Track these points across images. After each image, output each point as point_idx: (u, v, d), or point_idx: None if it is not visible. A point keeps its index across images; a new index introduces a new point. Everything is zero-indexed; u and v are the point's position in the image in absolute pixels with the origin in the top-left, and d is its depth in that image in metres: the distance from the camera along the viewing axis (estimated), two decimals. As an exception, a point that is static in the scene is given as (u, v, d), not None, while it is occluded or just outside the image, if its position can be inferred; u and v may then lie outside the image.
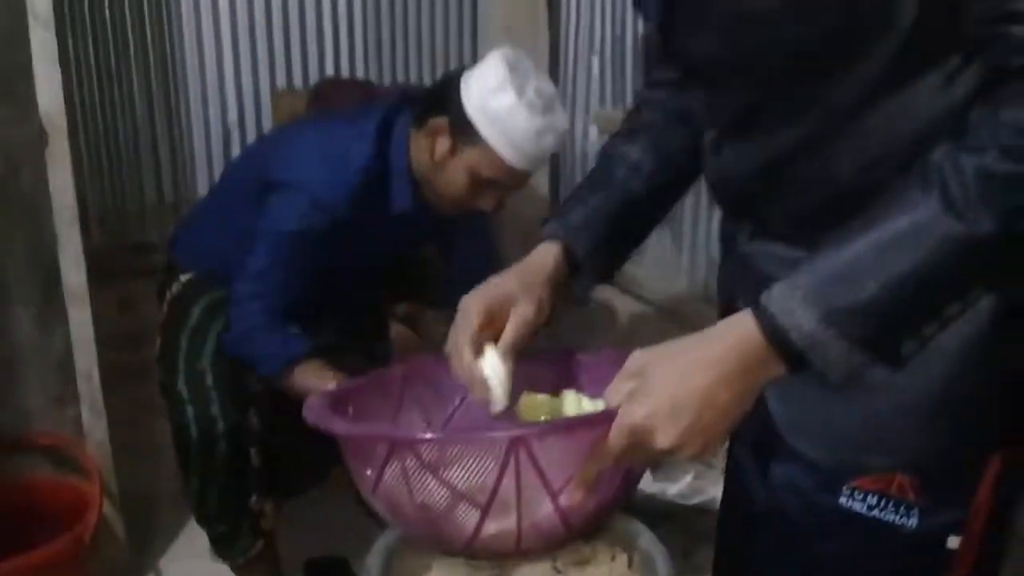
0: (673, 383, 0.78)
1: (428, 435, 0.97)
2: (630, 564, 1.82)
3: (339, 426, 0.98)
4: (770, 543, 1.01)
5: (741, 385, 0.78)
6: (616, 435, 0.81)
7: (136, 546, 2.09)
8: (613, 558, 1.83)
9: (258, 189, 1.64)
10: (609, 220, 1.06)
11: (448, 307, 1.96)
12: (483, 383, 1.02)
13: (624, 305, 2.54)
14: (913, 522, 0.88)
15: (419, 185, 1.67)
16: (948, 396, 0.85)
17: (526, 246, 2.36)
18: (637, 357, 0.83)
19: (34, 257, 1.83)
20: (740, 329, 0.77)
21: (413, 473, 0.90)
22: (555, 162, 2.66)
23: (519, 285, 1.04)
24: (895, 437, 0.88)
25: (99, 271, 1.96)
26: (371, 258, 1.80)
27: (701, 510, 2.01)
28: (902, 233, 0.71)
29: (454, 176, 1.61)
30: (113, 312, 2.10)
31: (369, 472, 0.94)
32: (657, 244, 2.38)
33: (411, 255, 1.96)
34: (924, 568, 0.91)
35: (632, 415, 0.80)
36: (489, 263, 1.86)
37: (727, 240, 1.00)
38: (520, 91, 1.53)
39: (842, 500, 0.89)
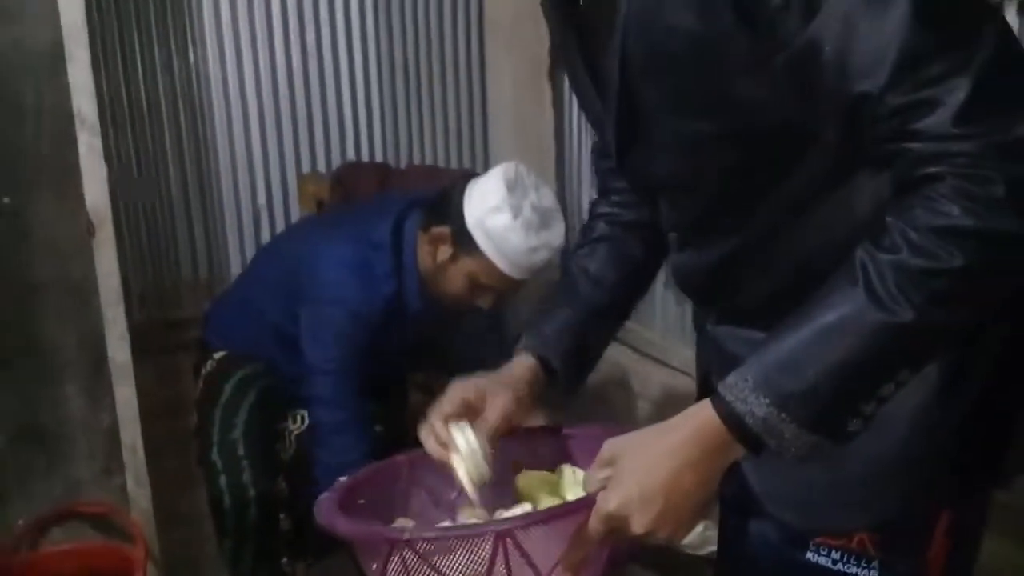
0: (641, 472, 0.86)
1: (410, 535, 1.00)
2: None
3: (342, 526, 1.04)
4: None
5: (705, 469, 0.85)
6: (595, 522, 0.88)
7: (178, 607, 2.20)
8: (628, 611, 1.92)
9: (291, 294, 1.80)
10: (578, 331, 1.17)
11: (457, 373, 2.10)
12: (455, 457, 1.09)
13: (647, 370, 2.62)
14: (874, 574, 0.94)
15: (425, 283, 1.82)
16: (902, 460, 0.92)
17: (530, 299, 2.45)
18: (609, 446, 0.90)
19: (84, 338, 1.97)
20: (700, 418, 0.85)
21: (413, 566, 0.96)
22: (559, 168, 2.76)
23: (498, 383, 1.14)
24: (857, 500, 0.95)
25: (140, 346, 2.09)
26: (397, 348, 1.94)
27: (711, 560, 2.09)
28: (834, 325, 0.79)
29: (454, 280, 1.76)
30: (153, 384, 2.23)
31: (375, 566, 0.99)
32: (673, 310, 2.47)
33: (428, 337, 2.10)
34: None
35: (607, 504, 0.87)
36: (501, 334, 2.00)
37: (698, 324, 1.10)
38: (517, 211, 1.69)
39: (809, 555, 0.96)
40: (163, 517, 2.12)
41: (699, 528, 2.17)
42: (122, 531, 2.04)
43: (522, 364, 1.16)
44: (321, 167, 2.52)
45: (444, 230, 1.76)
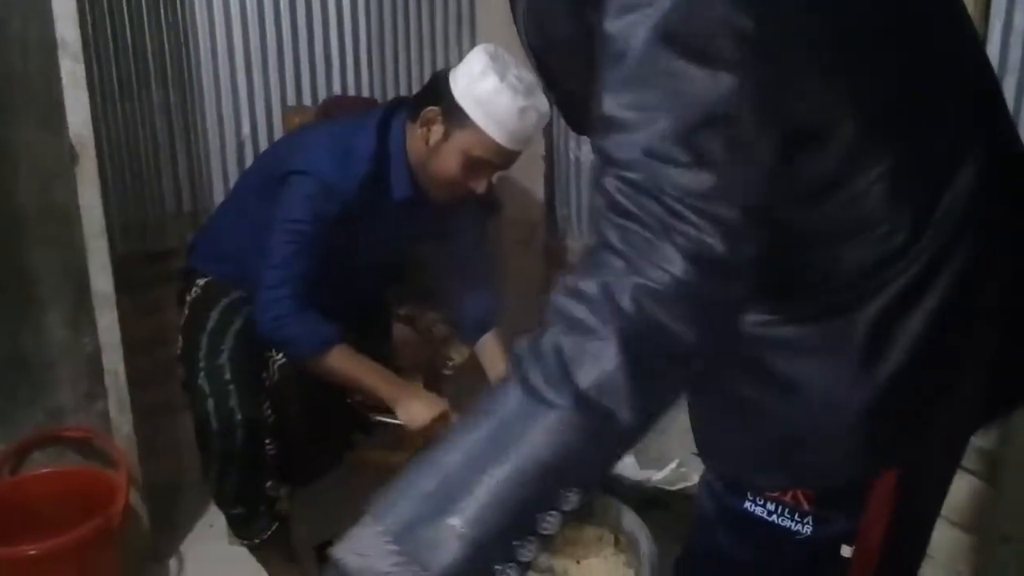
0: None
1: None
2: (616, 543, 1.96)
3: None
4: (692, 537, 1.08)
5: None
6: None
7: (159, 531, 2.23)
8: (600, 538, 1.97)
9: (271, 184, 1.80)
10: None
11: (443, 307, 2.11)
12: None
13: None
14: (808, 529, 0.93)
15: (416, 174, 1.83)
16: (816, 428, 0.89)
17: (523, 249, 2.49)
18: None
19: (66, 266, 1.98)
20: None
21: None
22: (550, 169, 2.78)
23: None
24: (778, 461, 0.94)
25: (123, 278, 2.10)
26: (377, 253, 1.94)
27: (685, 496, 2.14)
28: (488, 440, 0.70)
29: (448, 158, 1.77)
30: (136, 316, 2.24)
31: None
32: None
33: (412, 257, 2.11)
34: (821, 572, 0.96)
35: None
36: (486, 264, 2.02)
37: None
38: (502, 75, 1.71)
39: (747, 505, 0.95)
40: (145, 445, 2.15)
41: (672, 465, 2.22)
42: (104, 456, 2.07)
43: None
44: (307, 100, 2.50)
45: (433, 110, 1.77)
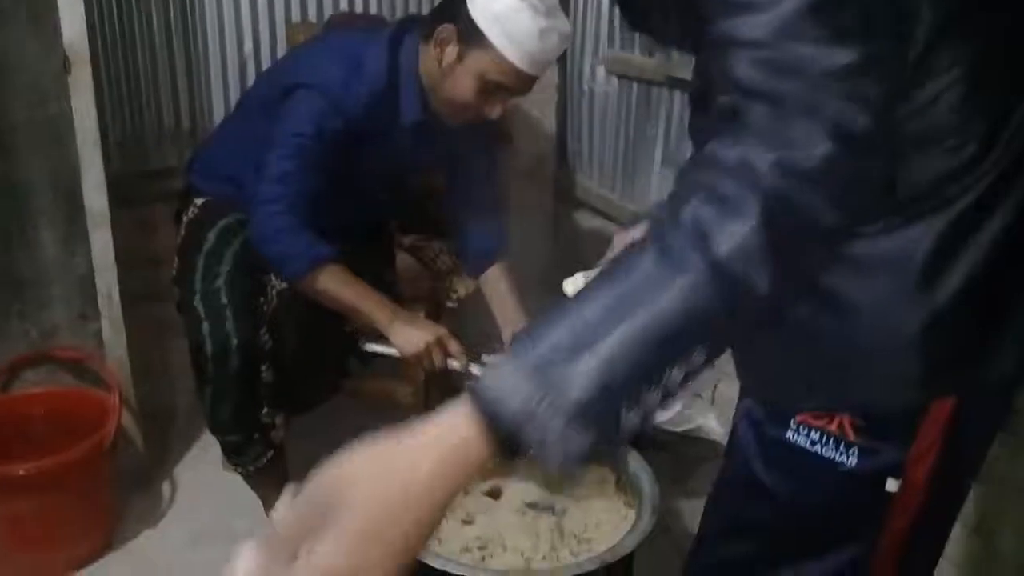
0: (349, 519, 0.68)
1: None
2: (617, 484, 1.92)
3: None
4: (727, 469, 1.06)
5: (426, 505, 0.69)
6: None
7: (153, 455, 2.21)
8: (602, 479, 1.93)
9: (274, 99, 1.72)
10: None
11: (450, 237, 2.05)
12: None
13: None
14: (852, 461, 0.90)
15: (428, 96, 1.75)
16: (870, 348, 0.87)
17: (531, 182, 2.41)
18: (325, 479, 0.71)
19: (59, 182, 1.92)
20: (445, 426, 0.71)
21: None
22: (562, 101, 2.70)
23: None
24: (828, 382, 0.91)
25: (119, 196, 2.04)
26: (382, 177, 1.86)
27: (690, 438, 2.11)
28: (620, 295, 0.70)
29: (462, 81, 1.68)
30: (131, 235, 2.18)
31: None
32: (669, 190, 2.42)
33: (418, 184, 2.04)
34: (862, 508, 0.94)
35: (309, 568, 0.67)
36: (493, 196, 1.94)
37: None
38: None
39: (789, 434, 0.93)
40: (139, 367, 2.11)
41: (677, 407, 2.18)
42: (97, 378, 2.03)
43: None
44: (312, 17, 2.40)
45: (448, 28, 1.67)
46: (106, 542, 1.99)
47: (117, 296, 1.99)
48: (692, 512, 2.09)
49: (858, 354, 0.88)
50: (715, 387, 2.24)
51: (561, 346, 0.69)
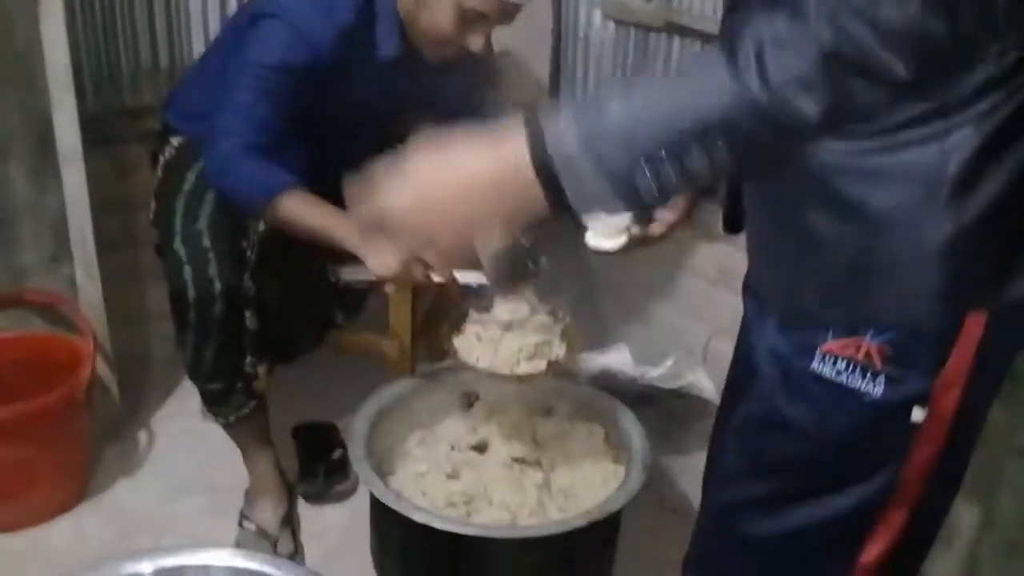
0: (423, 182, 0.84)
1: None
2: (606, 438, 1.88)
3: None
4: (745, 409, 1.06)
5: (487, 201, 0.80)
6: (366, 211, 0.87)
7: (129, 405, 2.15)
8: (591, 434, 1.90)
9: (242, 29, 1.63)
10: None
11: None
12: None
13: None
14: (878, 390, 0.90)
15: (407, 31, 1.66)
16: (901, 255, 0.87)
17: None
18: (413, 152, 0.86)
19: (28, 116, 1.83)
20: (506, 145, 0.79)
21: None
22: (556, 46, 2.61)
23: None
24: (855, 294, 0.91)
25: (94, 136, 1.95)
26: (362, 117, 1.78)
27: (679, 394, 2.07)
28: (677, 80, 0.79)
29: (440, 11, 1.60)
30: (108, 177, 2.10)
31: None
32: None
33: (404, 125, 1.95)
34: (888, 439, 0.93)
35: (383, 199, 0.85)
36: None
37: None
38: None
39: (814, 365, 0.93)
40: (114, 314, 2.05)
41: (668, 363, 2.15)
42: (70, 324, 1.96)
43: None
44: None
45: None
46: (81, 493, 1.94)
47: (91, 238, 1.91)
48: (681, 469, 2.06)
49: (881, 264, 0.88)
50: (707, 344, 2.20)
51: (605, 98, 0.77)
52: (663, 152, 0.75)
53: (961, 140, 0.81)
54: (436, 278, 1.57)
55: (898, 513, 0.97)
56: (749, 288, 1.14)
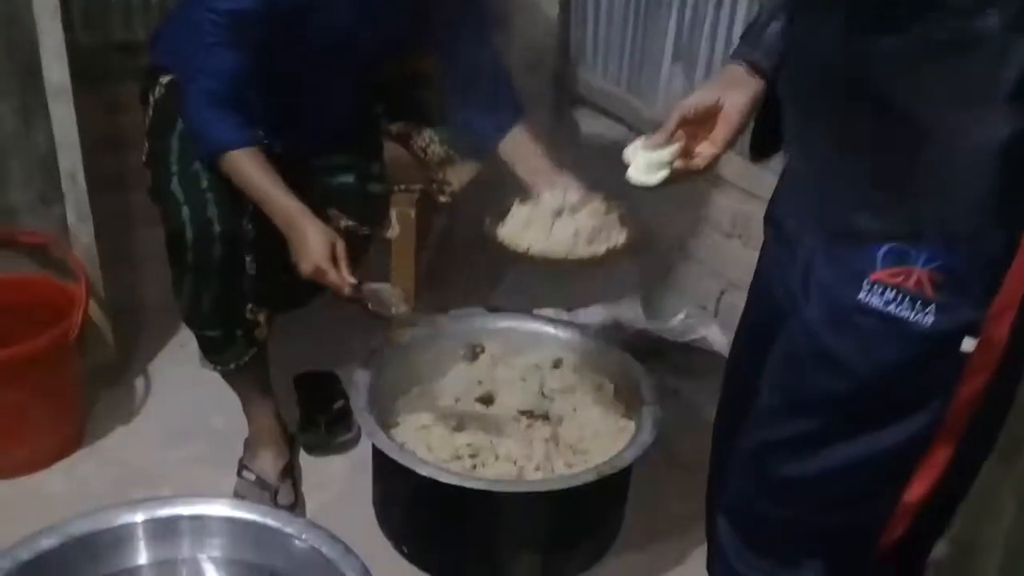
0: None
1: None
2: (616, 393, 1.83)
3: None
4: (784, 345, 1.03)
5: None
6: None
7: (125, 351, 2.09)
8: (600, 387, 1.84)
9: None
10: None
11: (447, 125, 1.88)
12: None
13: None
14: (928, 319, 0.88)
15: None
16: (954, 161, 0.85)
17: (530, 76, 2.17)
18: None
19: (13, 49, 1.75)
20: None
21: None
22: None
23: (724, 84, 1.12)
24: (900, 205, 0.89)
25: (85, 72, 1.87)
26: (336, 55, 1.68)
27: (690, 348, 2.02)
28: None
29: None
30: (100, 116, 2.02)
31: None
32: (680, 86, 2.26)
33: (398, 62, 1.86)
34: (936, 371, 0.91)
35: None
36: (494, 80, 1.77)
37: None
38: None
39: (861, 295, 0.91)
40: (107, 257, 1.98)
41: (680, 316, 2.09)
42: (63, 267, 1.89)
43: (735, 69, 1.11)
44: None
45: None
46: (76, 440, 1.90)
47: (82, 178, 1.83)
48: (691, 424, 2.01)
49: (935, 169, 0.86)
50: (720, 298, 2.14)
51: None
52: None
53: (1017, 45, 0.78)
54: (346, 288, 1.52)
55: (943, 450, 0.95)
56: (774, 221, 1.12)
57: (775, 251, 1.12)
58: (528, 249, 1.43)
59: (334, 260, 1.52)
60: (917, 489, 0.96)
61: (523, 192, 1.57)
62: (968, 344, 0.88)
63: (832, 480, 0.99)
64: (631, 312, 1.96)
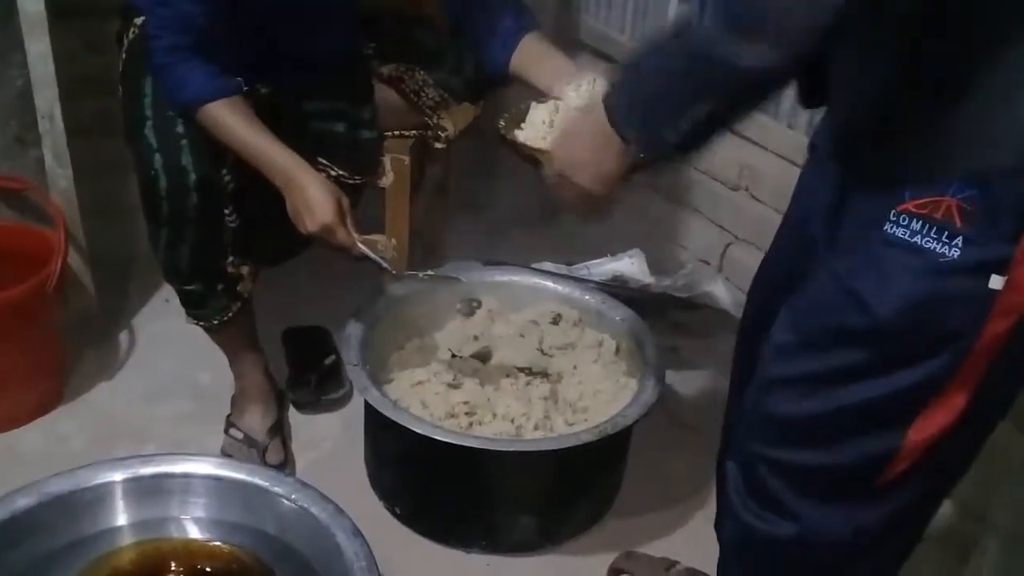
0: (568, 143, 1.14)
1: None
2: (617, 351, 1.77)
3: None
4: (809, 292, 1.00)
5: (598, 145, 1.06)
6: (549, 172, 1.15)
7: (108, 305, 2.02)
8: (601, 343, 1.79)
9: None
10: None
11: (444, 65, 1.78)
12: None
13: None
14: (955, 252, 0.85)
15: None
16: (980, 91, 0.82)
17: None
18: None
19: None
20: (598, 114, 1.04)
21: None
22: None
23: None
24: (932, 136, 0.86)
25: (64, 7, 1.77)
26: None
27: (694, 304, 1.95)
28: (663, 45, 0.97)
29: None
30: (78, 55, 1.92)
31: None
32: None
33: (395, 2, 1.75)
34: (961, 307, 0.87)
35: (552, 164, 1.15)
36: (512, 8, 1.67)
37: None
38: None
39: (887, 227, 0.89)
40: (89, 205, 1.90)
41: (684, 271, 2.02)
42: (39, 213, 1.81)
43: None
44: None
45: None
46: (57, 395, 1.83)
47: (60, 119, 1.74)
48: (693, 383, 1.96)
49: (966, 96, 0.83)
50: (724, 252, 2.07)
51: (634, 77, 1.03)
52: (669, 112, 0.97)
53: None
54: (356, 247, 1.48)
55: (959, 394, 0.91)
56: (817, 149, 1.10)
57: (809, 176, 1.11)
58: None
59: (341, 217, 1.46)
60: (925, 429, 0.93)
61: (541, 95, 1.48)
62: (996, 281, 0.85)
63: (845, 416, 0.97)
64: (633, 267, 1.89)
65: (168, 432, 1.77)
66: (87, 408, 1.84)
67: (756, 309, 1.22)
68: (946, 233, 0.85)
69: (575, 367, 1.72)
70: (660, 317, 1.98)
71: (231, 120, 1.47)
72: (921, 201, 0.86)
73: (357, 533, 1.24)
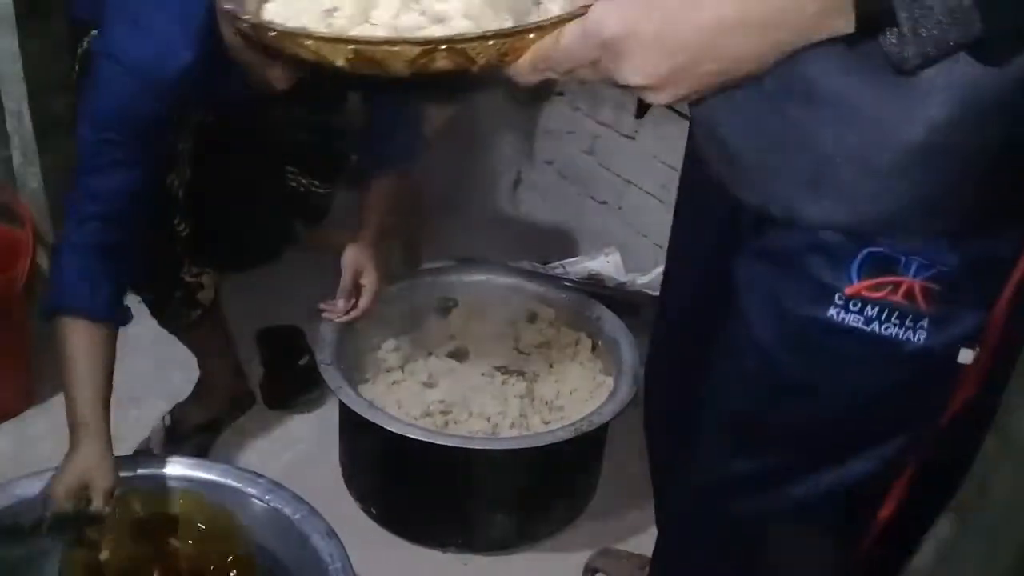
0: (674, 5, 0.60)
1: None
2: (594, 349, 1.77)
3: None
4: (727, 364, 0.86)
5: (765, 38, 0.60)
6: (578, 42, 0.62)
7: (79, 305, 2.00)
8: (577, 342, 1.79)
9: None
10: None
11: (363, 180, 1.73)
12: None
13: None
14: (920, 336, 0.73)
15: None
16: (867, 151, 0.69)
17: None
18: None
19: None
20: None
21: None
22: None
23: None
24: (832, 185, 0.72)
25: (32, 4, 1.75)
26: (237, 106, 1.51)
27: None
28: None
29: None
30: (48, 54, 1.89)
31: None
32: None
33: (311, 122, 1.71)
34: (926, 390, 0.77)
35: (604, 25, 0.61)
36: (412, 124, 1.66)
37: None
38: None
39: (832, 312, 0.75)
40: (59, 205, 1.86)
41: (659, 269, 2.02)
42: (7, 212, 1.79)
43: None
44: None
45: None
46: (26, 398, 1.81)
47: (28, 119, 1.73)
48: (669, 382, 1.96)
49: (851, 156, 0.70)
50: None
51: None
52: None
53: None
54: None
55: (915, 466, 0.81)
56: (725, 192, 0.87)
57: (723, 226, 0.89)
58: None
59: (76, 494, 1.26)
60: (889, 508, 0.82)
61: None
62: (965, 356, 0.74)
63: (796, 515, 0.84)
64: (609, 265, 1.90)
65: (141, 434, 1.75)
66: (57, 411, 1.79)
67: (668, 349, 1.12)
68: (909, 317, 0.73)
69: (551, 366, 1.73)
70: (638, 314, 1.99)
71: (68, 344, 1.32)
72: (874, 281, 0.74)
73: (332, 534, 1.24)
